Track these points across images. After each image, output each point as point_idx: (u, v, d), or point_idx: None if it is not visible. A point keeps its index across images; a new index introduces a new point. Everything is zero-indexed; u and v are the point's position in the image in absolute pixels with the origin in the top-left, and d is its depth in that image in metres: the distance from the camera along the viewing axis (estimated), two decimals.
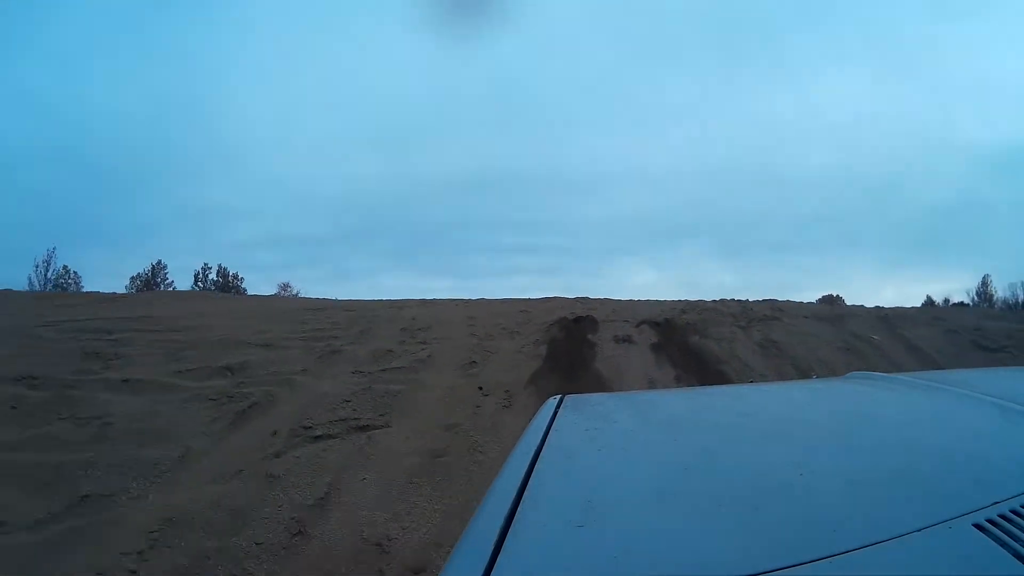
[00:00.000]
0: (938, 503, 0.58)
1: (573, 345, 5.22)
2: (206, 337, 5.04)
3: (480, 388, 4.21)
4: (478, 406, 3.97)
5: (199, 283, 18.93)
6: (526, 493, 0.62)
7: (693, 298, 8.61)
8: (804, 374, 5.19)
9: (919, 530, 0.51)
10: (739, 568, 0.46)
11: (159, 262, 18.99)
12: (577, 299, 7.71)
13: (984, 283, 9.08)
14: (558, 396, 1.09)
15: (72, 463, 3.01)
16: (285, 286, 17.74)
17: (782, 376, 5.13)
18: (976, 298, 14.21)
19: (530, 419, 0.97)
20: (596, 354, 5.08)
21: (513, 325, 5.71)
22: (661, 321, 6.26)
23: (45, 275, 16.27)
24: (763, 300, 8.53)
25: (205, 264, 19.86)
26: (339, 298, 9.90)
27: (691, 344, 5.45)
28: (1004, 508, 0.55)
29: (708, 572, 0.48)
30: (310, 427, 3.57)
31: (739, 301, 8.25)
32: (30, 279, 15.59)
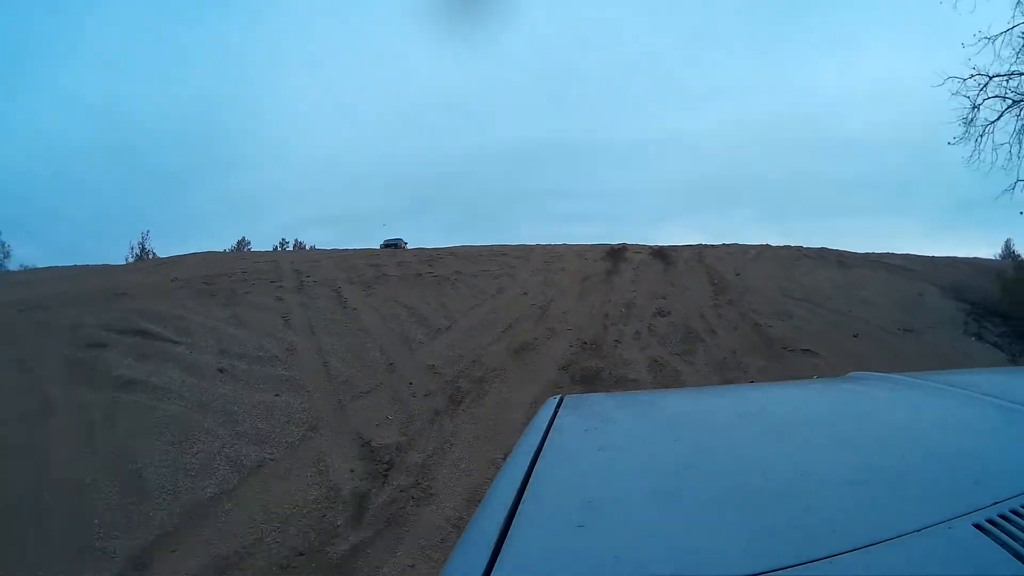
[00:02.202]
0: (938, 503, 0.64)
1: (616, 253, 12.82)
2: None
3: (585, 258, 11.96)
4: (591, 264, 11.57)
5: None
6: (526, 493, 0.70)
7: None
8: (699, 257, 12.82)
9: (919, 530, 0.57)
10: (739, 568, 0.52)
11: (243, 238, 23.33)
12: (621, 242, 15.34)
13: (1008, 245, 10.85)
14: (558, 396, 1.21)
15: None
16: None
17: (691, 259, 12.70)
18: (1000, 259, 14.63)
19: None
20: (625, 255, 12.68)
21: (588, 250, 13.41)
22: (657, 249, 13.99)
23: (141, 256, 20.15)
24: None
25: (283, 239, 24.62)
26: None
27: (665, 254, 13.02)
28: (1004, 508, 0.60)
29: (708, 572, 0.53)
30: (546, 271, 11.24)
31: (713, 244, 15.78)
32: (127, 260, 19.04)
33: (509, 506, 0.67)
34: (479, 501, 2.58)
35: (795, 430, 1.03)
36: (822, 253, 13.07)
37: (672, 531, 0.62)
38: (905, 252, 12.55)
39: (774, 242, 13.87)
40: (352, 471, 3.89)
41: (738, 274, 10.38)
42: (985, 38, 9.27)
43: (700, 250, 13.84)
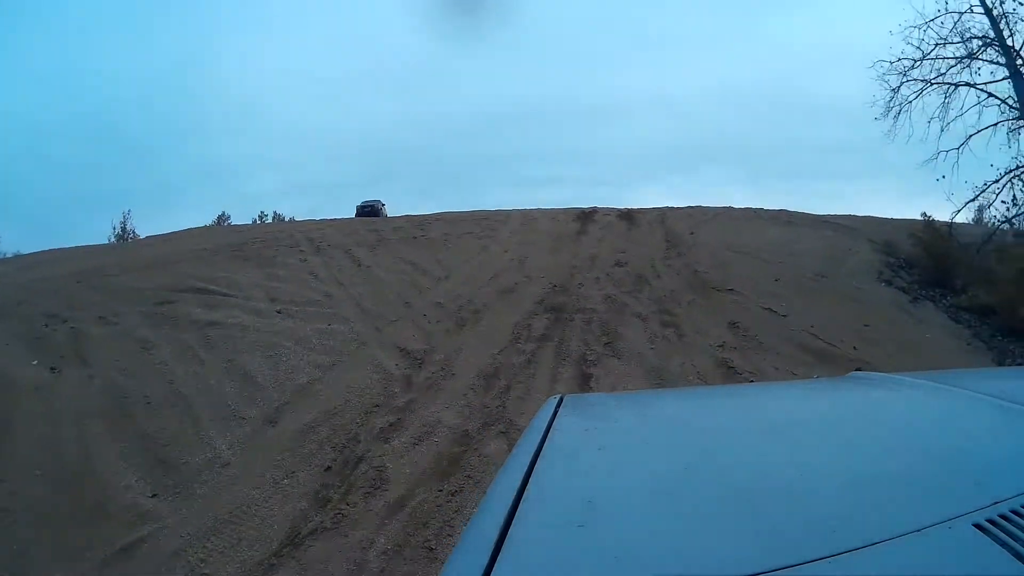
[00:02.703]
0: (938, 503, 0.66)
1: (586, 216, 14.79)
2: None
3: (558, 220, 13.90)
4: (563, 226, 13.51)
5: None
6: (526, 493, 0.73)
7: None
8: (661, 218, 14.98)
9: (919, 530, 0.59)
10: (739, 568, 0.54)
11: (223, 213, 24.41)
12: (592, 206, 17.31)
13: (980, 210, 11.89)
14: (558, 396, 1.25)
15: None
16: None
17: (654, 220, 14.74)
18: (972, 224, 14.87)
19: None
20: (594, 217, 14.67)
21: (561, 213, 15.36)
22: (624, 212, 16.00)
23: (123, 235, 21.13)
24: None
25: (262, 212, 25.52)
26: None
27: (630, 216, 15.02)
28: (1004, 508, 0.63)
29: (708, 572, 0.56)
30: (523, 233, 13.13)
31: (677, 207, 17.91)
32: (109, 239, 20.01)
33: (509, 506, 0.69)
34: (485, 377, 4.94)
35: (795, 430, 1.07)
36: (776, 215, 14.69)
37: (672, 531, 0.66)
38: (866, 214, 14.10)
39: (740, 205, 15.62)
40: (397, 364, 5.86)
41: (692, 233, 12.23)
42: (912, 26, 11.17)
43: (664, 212, 15.61)
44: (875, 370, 5.94)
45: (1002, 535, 0.58)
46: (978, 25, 10.93)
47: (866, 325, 7.98)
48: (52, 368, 6.28)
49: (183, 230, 15.18)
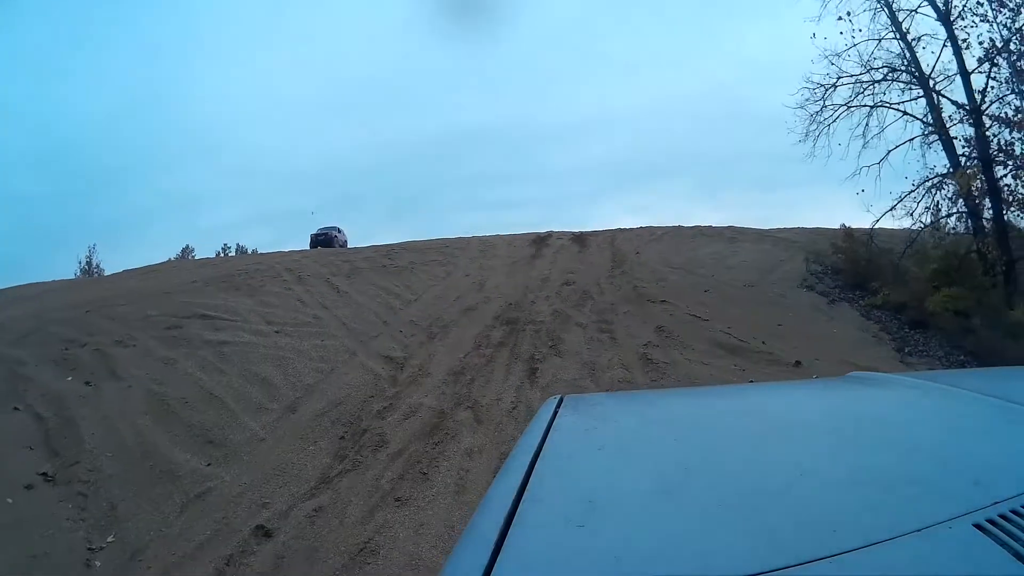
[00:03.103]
0: (938, 503, 0.69)
1: (541, 240, 16.62)
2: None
3: (515, 245, 15.82)
4: (519, 250, 15.50)
5: None
6: (526, 493, 0.77)
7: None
8: (611, 240, 17.20)
9: (919, 530, 0.61)
10: (739, 568, 0.56)
11: (187, 246, 26.12)
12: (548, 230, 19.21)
13: (935, 213, 11.87)
14: (558, 396, 1.30)
15: None
16: None
17: (603, 242, 16.74)
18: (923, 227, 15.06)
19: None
20: (549, 241, 16.56)
21: (518, 238, 17.28)
22: (577, 235, 18.02)
23: (89, 269, 22.23)
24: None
25: (225, 244, 27.65)
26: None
27: (583, 237, 16.94)
28: (1004, 508, 0.65)
29: (708, 572, 0.58)
30: (482, 258, 15.10)
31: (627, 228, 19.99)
32: (76, 273, 21.32)
33: (509, 506, 0.72)
34: (454, 374, 7.17)
35: (795, 430, 1.12)
36: (722, 231, 16.62)
37: (672, 531, 0.69)
38: (815, 226, 15.59)
39: (701, 221, 17.11)
40: (383, 368, 7.65)
41: (638, 252, 14.06)
42: (827, 55, 12.85)
43: (613, 234, 17.46)
44: (774, 357, 8.23)
45: (1002, 535, 0.60)
46: (895, 48, 12.53)
47: (779, 324, 9.74)
48: (87, 383, 7.73)
49: (159, 263, 16.59)
